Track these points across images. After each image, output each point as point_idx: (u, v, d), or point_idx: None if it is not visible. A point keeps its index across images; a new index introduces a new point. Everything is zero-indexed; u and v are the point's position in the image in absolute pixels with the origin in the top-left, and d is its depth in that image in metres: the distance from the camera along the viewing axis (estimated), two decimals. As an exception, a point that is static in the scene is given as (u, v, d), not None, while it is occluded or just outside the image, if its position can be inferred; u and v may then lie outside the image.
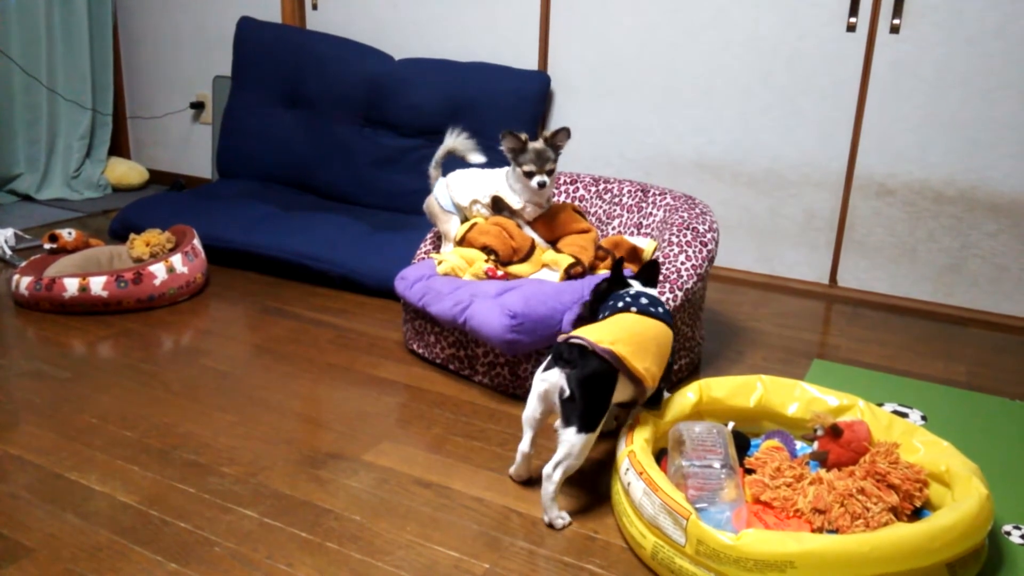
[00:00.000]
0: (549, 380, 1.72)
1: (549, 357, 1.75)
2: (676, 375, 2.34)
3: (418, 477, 1.86)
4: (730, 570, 1.43)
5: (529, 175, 2.38)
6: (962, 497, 1.56)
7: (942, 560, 1.46)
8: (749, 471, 1.76)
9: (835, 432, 1.73)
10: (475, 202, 2.52)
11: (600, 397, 1.71)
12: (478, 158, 2.55)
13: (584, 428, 1.67)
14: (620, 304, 1.89)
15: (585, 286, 2.24)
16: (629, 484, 1.63)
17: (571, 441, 1.67)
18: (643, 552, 1.58)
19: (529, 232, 2.50)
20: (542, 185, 2.38)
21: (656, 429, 1.80)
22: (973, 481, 1.58)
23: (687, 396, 1.92)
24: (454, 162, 2.59)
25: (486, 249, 2.44)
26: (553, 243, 2.51)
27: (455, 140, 2.56)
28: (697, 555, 1.47)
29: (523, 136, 2.36)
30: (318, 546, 1.62)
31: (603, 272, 2.38)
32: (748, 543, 1.42)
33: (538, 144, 2.37)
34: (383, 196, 3.56)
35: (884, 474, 1.63)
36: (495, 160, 2.55)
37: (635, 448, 1.69)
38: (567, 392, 1.68)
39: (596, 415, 1.69)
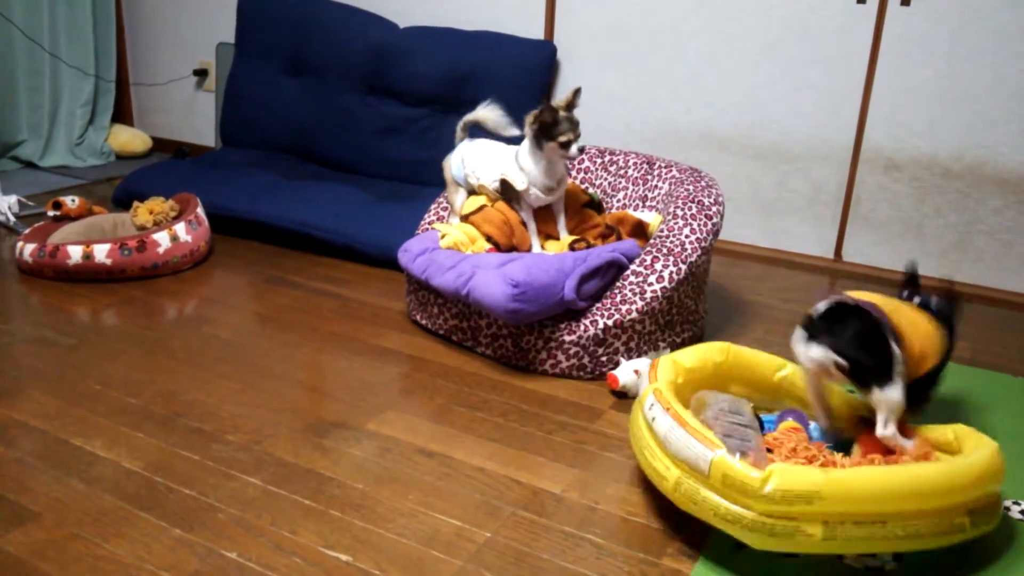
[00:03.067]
0: (815, 359, 1.66)
1: (802, 331, 1.68)
2: (679, 348, 2.34)
3: (421, 446, 1.87)
4: (756, 503, 1.44)
5: (567, 145, 2.28)
6: (974, 449, 1.58)
7: (963, 501, 1.48)
8: (767, 451, 1.76)
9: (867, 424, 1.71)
10: (483, 187, 2.49)
11: (876, 348, 1.62)
12: (511, 132, 2.49)
13: (883, 382, 1.61)
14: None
15: (589, 255, 2.24)
16: (654, 419, 1.62)
17: (881, 399, 1.62)
18: (664, 484, 1.58)
19: (531, 230, 2.44)
20: (582, 150, 2.29)
21: (678, 376, 1.78)
22: (983, 437, 1.61)
23: (712, 354, 1.91)
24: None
25: (487, 237, 2.42)
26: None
27: (487, 111, 2.50)
28: (723, 487, 1.47)
29: (555, 107, 2.29)
30: (321, 513, 1.63)
31: (607, 244, 2.36)
32: (775, 474, 1.43)
33: (561, 112, 2.30)
34: (387, 165, 3.54)
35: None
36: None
37: (660, 386, 1.69)
38: (842, 362, 1.62)
39: (885, 365, 1.61)
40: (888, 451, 1.68)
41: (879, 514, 1.44)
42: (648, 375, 1.77)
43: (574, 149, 2.29)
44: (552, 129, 2.28)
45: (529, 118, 2.31)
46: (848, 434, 1.82)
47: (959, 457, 1.53)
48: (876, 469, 1.47)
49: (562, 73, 3.45)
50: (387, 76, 3.52)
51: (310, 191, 3.19)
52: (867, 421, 1.71)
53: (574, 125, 2.29)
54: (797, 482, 1.42)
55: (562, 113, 2.29)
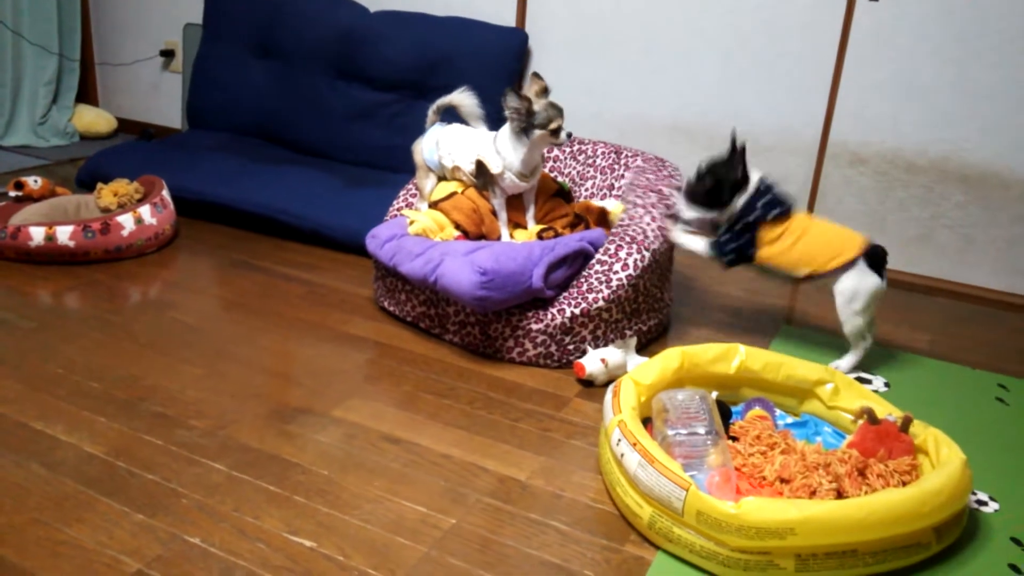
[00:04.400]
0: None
1: (868, 267, 2.16)
2: (645, 336, 2.36)
3: (387, 433, 1.87)
4: (731, 538, 1.45)
5: (556, 132, 2.27)
6: (944, 463, 1.60)
7: (931, 524, 1.51)
8: (733, 439, 1.78)
9: (872, 419, 1.73)
10: (457, 169, 2.48)
11: None
12: (478, 125, 2.50)
13: None
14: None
15: (557, 244, 2.24)
16: (623, 455, 1.62)
17: None
18: (639, 522, 1.58)
19: (502, 219, 2.43)
20: (570, 135, 2.30)
21: (639, 397, 1.79)
22: (954, 448, 1.63)
23: (669, 363, 1.91)
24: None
25: (456, 225, 2.41)
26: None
27: (463, 97, 2.49)
28: (697, 524, 1.48)
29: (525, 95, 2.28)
30: (285, 499, 1.62)
31: (574, 234, 2.37)
32: (749, 511, 1.44)
33: (542, 99, 2.29)
34: (356, 151, 3.52)
35: (864, 468, 1.64)
36: (491, 126, 2.49)
37: (625, 417, 1.67)
38: None
39: None
40: (872, 449, 1.69)
41: (850, 544, 1.46)
42: (611, 404, 1.76)
43: (564, 135, 2.30)
44: (533, 117, 2.27)
45: (513, 103, 2.26)
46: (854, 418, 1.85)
47: (927, 480, 1.54)
48: (848, 503, 1.47)
49: (533, 61, 3.45)
50: (357, 60, 3.49)
51: (278, 175, 3.16)
52: (871, 414, 1.74)
53: (560, 112, 2.29)
54: (770, 518, 1.43)
55: (544, 100, 2.29)
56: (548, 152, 2.76)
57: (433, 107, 2.57)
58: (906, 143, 2.92)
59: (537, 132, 2.28)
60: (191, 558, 1.45)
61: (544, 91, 2.30)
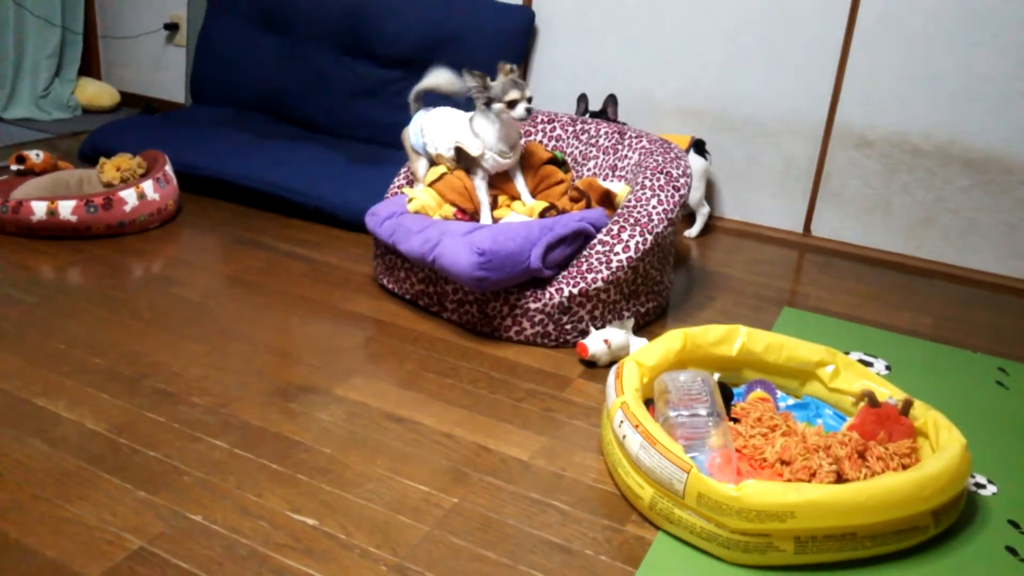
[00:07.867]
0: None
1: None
2: (643, 318, 2.36)
3: (389, 412, 1.88)
4: (731, 520, 1.46)
5: (513, 104, 2.29)
6: (944, 446, 1.60)
7: (930, 508, 1.52)
8: (734, 420, 1.78)
9: (873, 402, 1.73)
10: (440, 156, 2.47)
11: None
12: (464, 92, 2.50)
13: None
14: None
15: (556, 224, 2.24)
16: (624, 437, 1.62)
17: None
18: (640, 503, 1.59)
19: (483, 201, 2.41)
20: (529, 112, 2.31)
21: (642, 378, 1.79)
22: (953, 431, 1.63)
23: (671, 344, 1.91)
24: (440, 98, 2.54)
25: (452, 204, 2.41)
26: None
27: (435, 77, 2.48)
28: (698, 506, 1.49)
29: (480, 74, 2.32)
30: (288, 477, 1.63)
31: (575, 212, 2.37)
32: (749, 494, 1.44)
33: (505, 75, 2.32)
34: (361, 128, 3.51)
35: (864, 450, 1.64)
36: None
37: (627, 399, 1.68)
38: None
39: None
40: (872, 432, 1.69)
41: (849, 527, 1.46)
42: (614, 385, 1.75)
43: (521, 109, 2.30)
44: (491, 91, 2.30)
45: (470, 81, 2.32)
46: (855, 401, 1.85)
47: (927, 464, 1.55)
48: (848, 487, 1.47)
49: (540, 40, 3.42)
50: (362, 36, 3.47)
51: (282, 151, 3.15)
52: (872, 397, 1.74)
53: (518, 86, 2.31)
54: (771, 500, 1.43)
55: (504, 76, 2.31)
56: (551, 131, 2.74)
57: (412, 95, 2.56)
58: (911, 126, 2.90)
59: (496, 106, 2.31)
60: (193, 535, 1.46)
61: (511, 72, 2.32)
